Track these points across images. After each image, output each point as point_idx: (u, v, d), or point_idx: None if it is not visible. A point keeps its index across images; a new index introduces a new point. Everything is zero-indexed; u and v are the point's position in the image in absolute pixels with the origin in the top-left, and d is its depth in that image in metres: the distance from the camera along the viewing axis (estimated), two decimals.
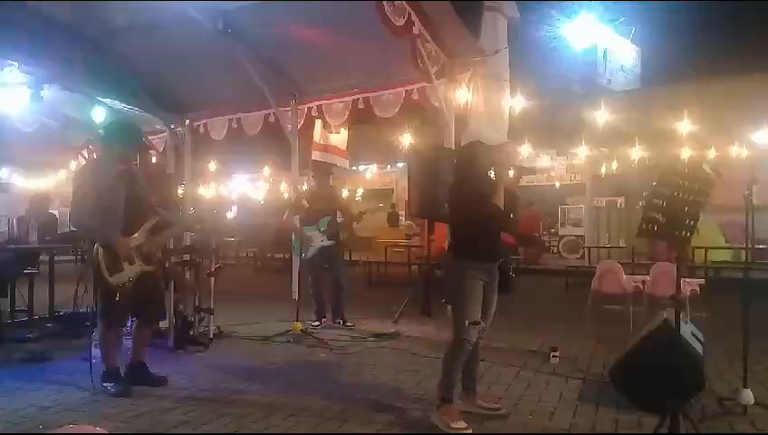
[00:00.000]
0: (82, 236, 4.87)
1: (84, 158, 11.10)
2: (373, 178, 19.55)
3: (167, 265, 6.26)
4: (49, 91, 8.05)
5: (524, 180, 18.27)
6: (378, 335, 6.84)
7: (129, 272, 4.59)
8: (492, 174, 4.17)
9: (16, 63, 7.40)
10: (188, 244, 7.08)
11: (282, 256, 15.23)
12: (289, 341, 6.57)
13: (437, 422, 3.93)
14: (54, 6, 7.03)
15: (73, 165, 12.31)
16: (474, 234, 4.04)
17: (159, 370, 5.06)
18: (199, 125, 10.24)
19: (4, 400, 4.43)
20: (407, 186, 8.73)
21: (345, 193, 17.10)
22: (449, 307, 4.19)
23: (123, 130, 4.90)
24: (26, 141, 10.13)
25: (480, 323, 4.01)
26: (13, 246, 7.53)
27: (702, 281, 7.27)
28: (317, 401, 4.51)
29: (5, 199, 16.13)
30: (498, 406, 4.27)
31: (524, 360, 5.66)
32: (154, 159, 10.48)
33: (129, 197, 4.70)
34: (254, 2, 6.98)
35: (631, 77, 17.41)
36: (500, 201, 3.99)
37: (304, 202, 7.64)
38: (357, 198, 19.15)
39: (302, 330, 6.74)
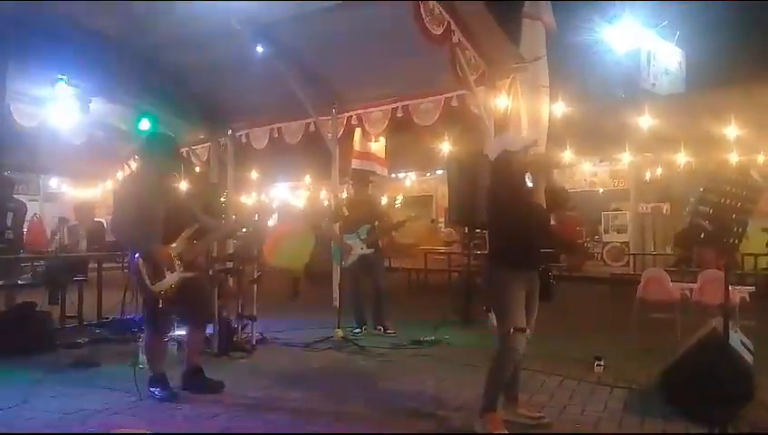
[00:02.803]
0: (123, 246, 4.97)
1: (130, 168, 11.38)
2: (412, 186, 19.53)
3: (210, 273, 6.39)
4: (96, 104, 8.31)
5: (566, 186, 18.01)
6: (418, 343, 6.82)
7: (171, 279, 4.66)
8: (528, 179, 4.12)
9: (66, 77, 7.66)
10: (231, 251, 7.19)
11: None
12: (330, 348, 6.61)
13: (480, 431, 3.90)
14: (101, 21, 7.24)
15: (120, 175, 12.63)
16: (512, 241, 4.02)
17: None
18: (241, 135, 10.42)
19: (55, 403, 4.56)
20: (446, 193, 8.72)
21: (384, 200, 17.12)
22: (492, 316, 4.17)
23: (160, 144, 5.03)
24: (75, 152, 10.44)
25: (526, 330, 3.97)
26: (63, 254, 7.77)
27: (752, 288, 7.06)
28: (359, 408, 4.53)
29: (55, 209, 16.61)
30: (542, 415, 4.22)
31: (568, 369, 5.57)
32: (198, 169, 10.71)
33: (169, 206, 4.79)
34: (294, 12, 7.08)
35: (676, 81, 17.02)
36: (542, 203, 3.95)
37: (344, 210, 7.69)
38: (396, 205, 19.15)
39: (342, 337, 6.78)
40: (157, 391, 4.71)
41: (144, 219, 4.63)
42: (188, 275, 4.79)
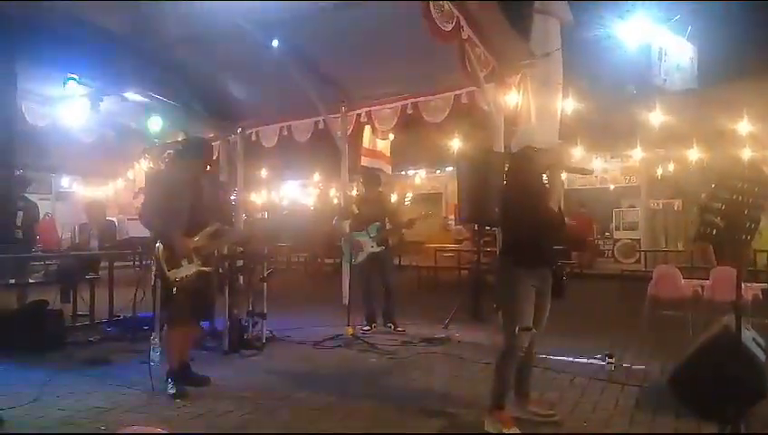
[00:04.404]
0: (149, 239, 5.12)
1: (141, 167, 11.44)
2: (422, 183, 19.50)
3: (221, 271, 6.41)
4: (107, 103, 8.35)
5: (578, 183, 17.95)
6: (428, 340, 6.82)
7: (187, 269, 4.79)
8: (545, 178, 4.12)
9: (77, 77, 7.70)
10: (242, 249, 7.20)
11: (332, 261, 15.35)
12: (340, 345, 6.61)
13: (490, 428, 3.90)
14: (112, 20, 7.27)
15: (131, 174, 12.70)
16: (526, 239, 4.00)
17: (214, 373, 5.17)
18: (251, 133, 10.43)
19: (67, 401, 4.58)
20: (456, 190, 8.69)
21: (394, 198, 17.11)
22: (500, 313, 4.15)
23: (199, 148, 5.29)
24: (86, 151, 10.51)
25: (531, 329, 3.96)
26: (75, 252, 7.81)
27: (765, 285, 6.99)
28: (369, 406, 4.53)
29: (67, 207, 16.72)
30: (552, 412, 4.21)
31: (579, 366, 5.56)
32: (208, 167, 10.73)
33: (195, 203, 4.93)
34: (304, 11, 7.07)
35: (688, 76, 16.88)
36: (556, 205, 3.95)
37: (354, 208, 7.68)
38: (406, 202, 19.14)
39: (352, 334, 6.78)
40: (171, 386, 4.76)
41: (170, 211, 4.79)
42: (204, 269, 4.91)
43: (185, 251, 4.80)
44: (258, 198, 18.47)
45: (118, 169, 12.88)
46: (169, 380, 4.80)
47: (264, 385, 5.11)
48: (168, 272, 4.73)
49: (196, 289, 4.85)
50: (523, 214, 4.01)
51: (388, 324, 7.48)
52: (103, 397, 4.69)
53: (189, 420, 4.22)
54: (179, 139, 8.60)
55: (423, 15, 6.66)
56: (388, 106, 8.88)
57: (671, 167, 14.57)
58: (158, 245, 4.75)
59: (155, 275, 4.90)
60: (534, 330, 3.99)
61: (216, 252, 5.43)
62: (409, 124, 9.12)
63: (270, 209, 19.19)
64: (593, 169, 15.79)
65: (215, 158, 10.82)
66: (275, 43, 7.55)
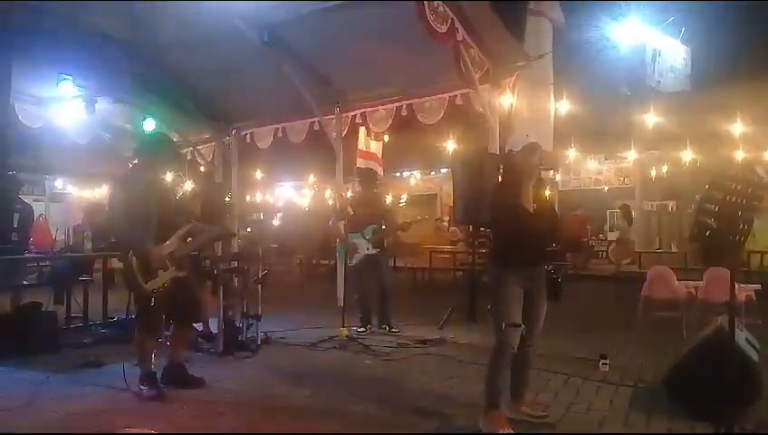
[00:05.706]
0: (121, 246, 5.01)
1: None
2: (417, 184, 19.51)
3: (215, 272, 6.40)
4: (102, 104, 8.33)
5: (572, 184, 18.01)
6: (423, 341, 6.82)
7: (163, 277, 4.72)
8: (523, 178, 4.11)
9: (71, 77, 7.66)
10: (236, 251, 7.19)
11: (327, 262, 15.33)
12: (335, 347, 6.60)
13: (485, 429, 3.90)
14: (106, 21, 7.24)
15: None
16: (512, 238, 4.02)
17: (208, 374, 5.16)
18: (246, 134, 10.40)
19: (61, 403, 4.57)
20: (451, 191, 8.69)
21: (389, 199, 17.09)
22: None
23: (156, 145, 5.11)
24: (80, 153, 10.47)
25: (520, 326, 3.95)
26: (69, 254, 7.78)
27: (758, 286, 7.02)
28: (364, 407, 4.53)
29: (61, 209, 16.67)
30: (546, 414, 4.21)
31: (573, 367, 5.56)
32: (202, 168, 10.72)
33: (162, 206, 4.83)
34: (298, 11, 7.07)
35: (682, 78, 16.94)
36: (530, 203, 3.93)
37: (349, 209, 7.68)
38: (401, 204, 19.14)
39: (347, 336, 6.77)
40: (145, 389, 4.74)
41: (138, 219, 4.66)
42: (180, 274, 4.83)
43: (158, 260, 4.68)
44: (253, 199, 18.43)
45: (112, 171, 12.82)
46: (141, 385, 4.77)
47: (259, 387, 5.11)
48: (144, 284, 4.65)
49: (174, 296, 4.78)
50: (503, 214, 4.05)
51: (384, 326, 7.48)
52: (97, 399, 4.68)
53: (184, 421, 4.21)
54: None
55: (418, 17, 6.66)
56: (383, 107, 8.87)
57: (665, 168, 14.63)
58: (129, 255, 4.64)
59: (131, 283, 4.77)
60: (524, 327, 3.99)
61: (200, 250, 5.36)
62: (404, 126, 9.10)
63: (265, 211, 19.16)
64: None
65: (210, 159, 10.82)
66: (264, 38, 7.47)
